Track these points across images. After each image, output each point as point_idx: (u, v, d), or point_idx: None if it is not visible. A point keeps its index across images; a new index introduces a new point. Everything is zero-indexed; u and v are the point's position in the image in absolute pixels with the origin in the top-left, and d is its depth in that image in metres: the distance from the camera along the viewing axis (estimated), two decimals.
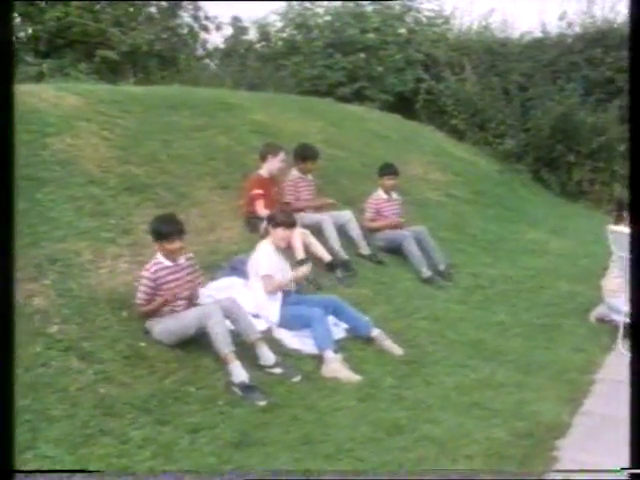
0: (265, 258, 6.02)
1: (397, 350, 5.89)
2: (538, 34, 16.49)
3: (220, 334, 5.05)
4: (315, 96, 14.50)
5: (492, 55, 16.06)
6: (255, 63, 16.36)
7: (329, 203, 7.85)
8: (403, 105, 15.80)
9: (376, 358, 5.76)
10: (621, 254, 6.50)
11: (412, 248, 7.80)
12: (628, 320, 6.58)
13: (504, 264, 8.86)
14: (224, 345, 5.03)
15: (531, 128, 14.65)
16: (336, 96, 15.19)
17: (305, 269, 6.27)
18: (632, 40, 2.50)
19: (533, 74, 15.54)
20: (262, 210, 7.18)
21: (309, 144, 8.19)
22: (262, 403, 4.81)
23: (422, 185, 10.72)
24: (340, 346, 5.79)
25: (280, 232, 6.09)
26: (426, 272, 7.71)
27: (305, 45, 16.40)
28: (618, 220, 7.08)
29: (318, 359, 5.55)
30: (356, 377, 5.36)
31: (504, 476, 4.20)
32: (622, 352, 6.38)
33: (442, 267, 7.97)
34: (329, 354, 5.49)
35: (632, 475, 2.52)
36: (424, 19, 17.44)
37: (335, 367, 5.41)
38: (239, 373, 4.94)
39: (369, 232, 8.08)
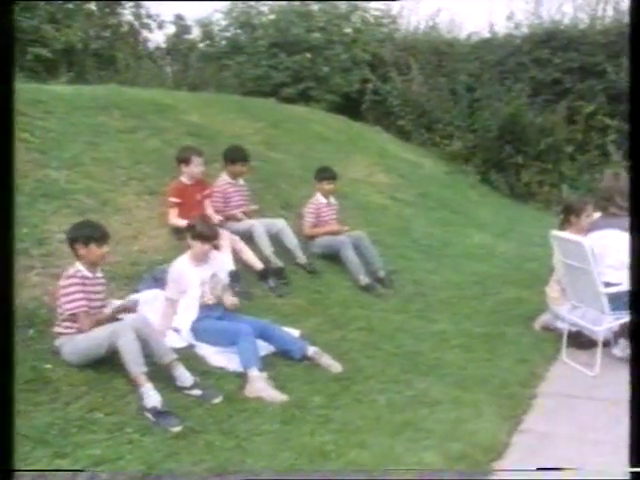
0: (175, 277, 5.60)
1: (336, 367, 5.54)
2: (486, 34, 16.38)
3: (131, 354, 4.64)
4: (259, 97, 14.12)
5: (439, 55, 15.88)
6: (198, 63, 15.90)
7: (254, 209, 7.50)
8: (350, 106, 15.52)
9: (305, 375, 5.39)
10: (565, 261, 6.23)
11: (349, 254, 7.46)
12: (572, 329, 6.35)
13: (448, 270, 8.58)
14: (136, 366, 4.62)
15: (479, 129, 14.49)
16: (281, 97, 14.85)
17: (233, 301, 5.86)
18: (632, 39, 2.65)
19: (481, 74, 15.41)
20: (175, 220, 6.83)
21: (239, 146, 7.80)
22: (176, 429, 4.41)
23: (365, 188, 10.40)
24: (267, 362, 5.42)
25: (198, 246, 5.67)
26: (364, 279, 7.38)
27: (249, 44, 16.01)
28: (564, 224, 6.80)
29: (243, 377, 5.17)
30: (281, 397, 4.98)
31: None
32: (566, 362, 6.13)
33: (382, 274, 7.63)
34: (254, 372, 5.11)
35: (633, 474, 2.63)
36: (371, 18, 17.19)
37: (259, 386, 5.03)
38: (151, 397, 4.53)
39: (309, 239, 7.73)
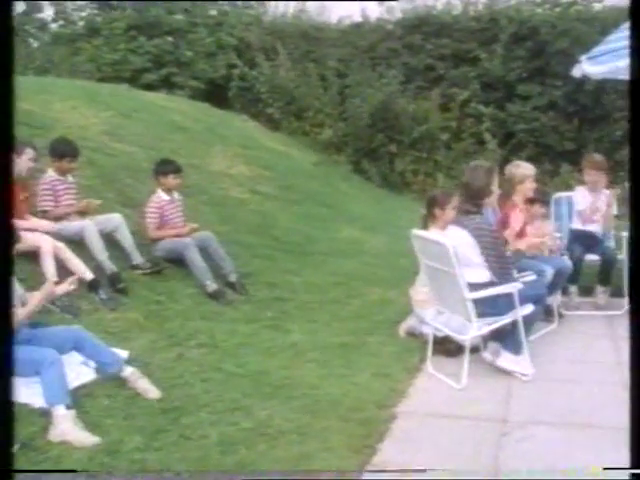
0: None
1: (153, 393, 4.72)
2: (357, 19, 15.92)
3: None
4: (117, 83, 13.11)
5: (308, 40, 15.34)
6: (49, 45, 14.66)
7: (94, 205, 6.59)
8: (216, 93, 14.73)
9: (127, 407, 4.55)
10: (427, 263, 5.64)
11: (194, 257, 6.65)
12: (438, 333, 5.78)
13: (310, 270, 7.90)
14: None
15: (350, 117, 13.96)
16: (141, 83, 13.87)
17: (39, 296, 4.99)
18: (632, 39, 2.66)
19: (351, 60, 14.90)
20: None
21: (66, 138, 6.85)
22: None
23: (223, 181, 9.60)
24: (83, 393, 4.58)
25: None
26: (211, 285, 6.60)
27: (106, 26, 14.88)
28: (429, 220, 6.21)
29: (48, 417, 4.31)
30: (91, 440, 4.14)
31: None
32: (431, 373, 5.54)
33: (233, 278, 6.89)
34: (59, 411, 4.24)
35: (633, 475, 2.56)
36: (238, 2, 16.38)
37: (65, 428, 4.17)
38: None
39: (152, 241, 6.89)
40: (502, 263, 5.53)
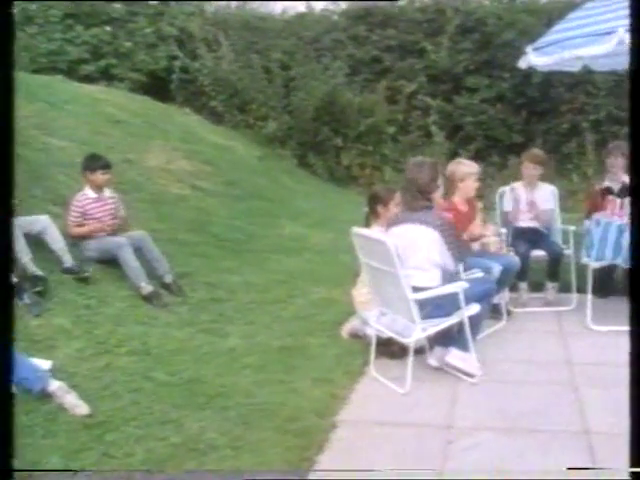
0: None
1: (81, 409, 4.39)
2: (301, 9, 15.60)
3: None
4: (54, 74, 12.64)
5: (251, 31, 14.96)
6: None
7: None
8: (157, 85, 14.29)
9: (47, 424, 4.21)
10: (368, 262, 5.39)
11: (128, 258, 6.31)
12: (382, 335, 5.53)
13: (251, 268, 7.61)
14: None
15: (294, 110, 13.67)
16: (79, 75, 13.37)
17: None
18: (633, 39, 2.65)
19: (296, 52, 14.58)
20: None
21: None
22: None
23: (162, 177, 9.24)
24: None
25: None
26: (146, 287, 6.27)
27: (40, 14, 14.31)
28: (371, 217, 5.98)
29: None
30: None
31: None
32: (375, 377, 5.30)
33: (169, 279, 6.57)
34: None
35: (633, 474, 2.48)
36: None
37: None
38: None
39: (74, 239, 6.52)
40: (464, 253, 5.43)
